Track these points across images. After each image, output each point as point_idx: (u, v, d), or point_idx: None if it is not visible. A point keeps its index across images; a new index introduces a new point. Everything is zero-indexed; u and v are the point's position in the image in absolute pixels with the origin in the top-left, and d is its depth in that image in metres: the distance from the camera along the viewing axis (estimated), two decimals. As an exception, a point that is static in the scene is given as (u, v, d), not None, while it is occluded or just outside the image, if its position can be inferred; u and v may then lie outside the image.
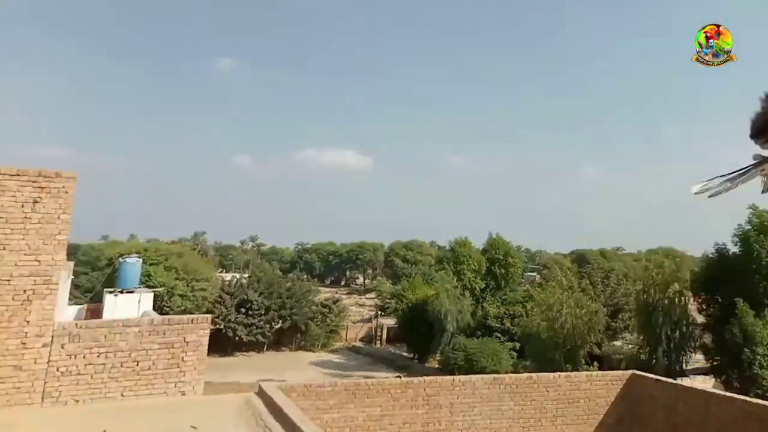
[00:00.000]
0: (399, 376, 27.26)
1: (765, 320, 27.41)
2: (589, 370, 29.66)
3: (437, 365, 41.35)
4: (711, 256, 32.35)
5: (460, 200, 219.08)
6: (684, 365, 32.34)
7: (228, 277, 57.12)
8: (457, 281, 45.63)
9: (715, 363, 30.44)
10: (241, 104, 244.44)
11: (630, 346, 37.04)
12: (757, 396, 24.57)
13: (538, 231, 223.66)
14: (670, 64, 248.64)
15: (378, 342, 54.34)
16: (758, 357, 26.79)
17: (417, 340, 44.94)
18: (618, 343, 39.43)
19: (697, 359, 33.34)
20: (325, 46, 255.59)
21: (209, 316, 10.81)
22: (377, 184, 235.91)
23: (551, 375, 12.86)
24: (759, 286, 28.45)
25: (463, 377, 12.52)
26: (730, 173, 3.80)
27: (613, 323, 39.36)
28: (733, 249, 30.96)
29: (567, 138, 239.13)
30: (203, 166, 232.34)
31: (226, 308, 45.00)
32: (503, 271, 49.93)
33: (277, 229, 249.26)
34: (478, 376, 12.97)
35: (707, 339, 31.64)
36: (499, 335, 39.89)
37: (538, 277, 72.90)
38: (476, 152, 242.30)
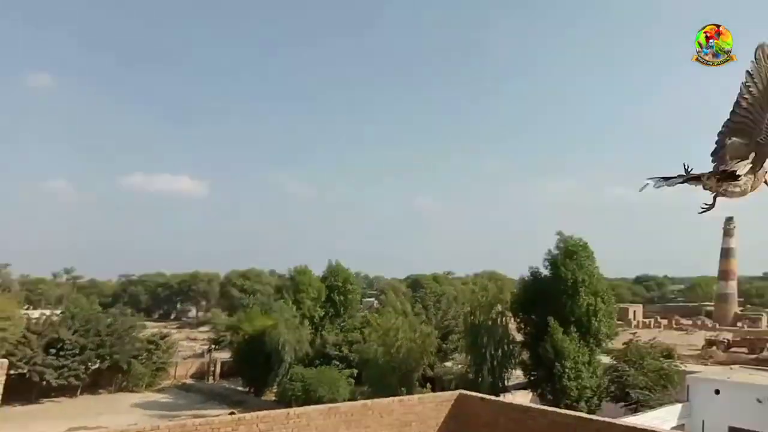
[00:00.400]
0: (232, 413, 25.79)
1: (571, 336, 30.49)
2: (422, 393, 30.69)
3: (274, 398, 40.11)
4: (527, 279, 35.29)
5: (301, 228, 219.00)
6: (506, 381, 34.70)
7: (36, 314, 50.43)
8: (296, 310, 44.97)
9: (532, 377, 33.07)
10: (59, 124, 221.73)
11: (459, 366, 38.99)
12: (566, 406, 27.22)
13: (377, 257, 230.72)
14: (488, 103, 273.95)
15: (211, 378, 51.42)
16: (567, 370, 29.67)
17: (253, 373, 43.28)
18: (449, 363, 41.32)
19: (517, 375, 35.94)
20: (155, 65, 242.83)
21: (5, 361, 9.31)
22: (214, 211, 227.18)
23: (385, 400, 12.96)
24: (566, 305, 31.55)
25: (298, 409, 12.13)
26: (667, 177, 4.03)
27: (444, 345, 41.28)
28: (545, 272, 34.06)
29: (402, 167, 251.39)
30: (9, 192, 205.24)
31: (32, 350, 39.59)
32: (342, 298, 50.20)
33: (98, 260, 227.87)
34: (313, 406, 12.65)
35: (525, 356, 34.31)
36: (338, 363, 39.84)
37: (376, 302, 74.63)
38: (319, 181, 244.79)
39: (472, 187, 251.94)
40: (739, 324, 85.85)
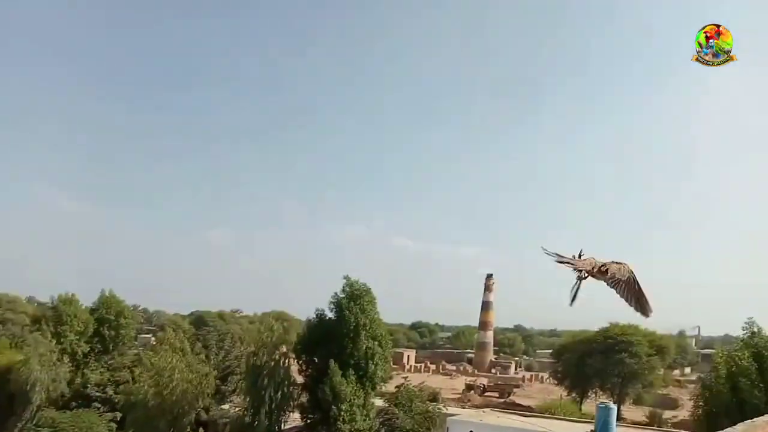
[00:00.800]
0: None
1: (349, 379, 31.64)
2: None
3: (14, 447, 34.70)
4: (312, 320, 35.95)
5: (74, 252, 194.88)
6: (283, 425, 34.52)
7: None
8: (56, 344, 39.94)
9: (309, 420, 33.44)
10: None
11: (237, 409, 37.85)
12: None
13: (160, 290, 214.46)
14: (295, 137, 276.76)
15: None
16: (342, 413, 30.57)
17: (-11, 417, 37.11)
18: (226, 406, 39.88)
19: (295, 418, 36.00)
20: None
21: None
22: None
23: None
24: (347, 348, 32.75)
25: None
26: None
27: (224, 387, 39.84)
28: (330, 315, 35.03)
29: (195, 199, 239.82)
30: None
31: None
32: (113, 333, 46.13)
33: None
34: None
35: (305, 398, 34.59)
36: (99, 405, 36.21)
37: (153, 339, 69.24)
38: (99, 200, 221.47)
39: (268, 222, 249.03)
40: (494, 370, 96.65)
